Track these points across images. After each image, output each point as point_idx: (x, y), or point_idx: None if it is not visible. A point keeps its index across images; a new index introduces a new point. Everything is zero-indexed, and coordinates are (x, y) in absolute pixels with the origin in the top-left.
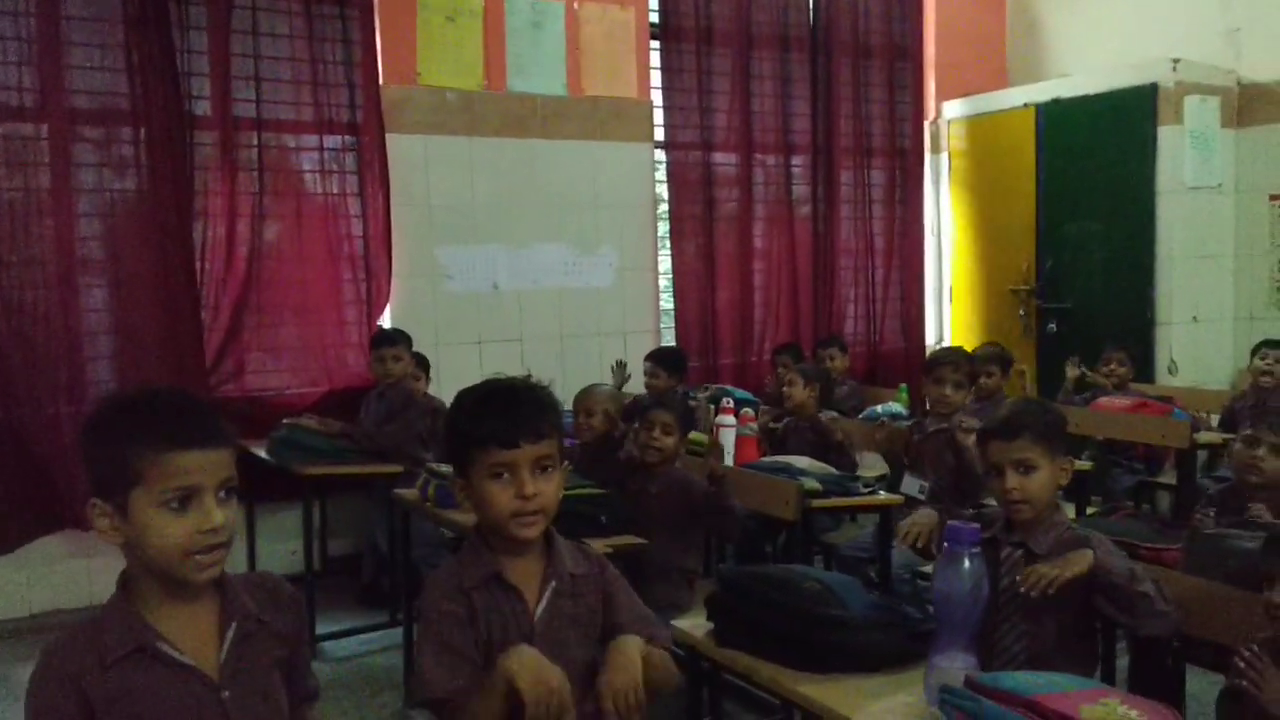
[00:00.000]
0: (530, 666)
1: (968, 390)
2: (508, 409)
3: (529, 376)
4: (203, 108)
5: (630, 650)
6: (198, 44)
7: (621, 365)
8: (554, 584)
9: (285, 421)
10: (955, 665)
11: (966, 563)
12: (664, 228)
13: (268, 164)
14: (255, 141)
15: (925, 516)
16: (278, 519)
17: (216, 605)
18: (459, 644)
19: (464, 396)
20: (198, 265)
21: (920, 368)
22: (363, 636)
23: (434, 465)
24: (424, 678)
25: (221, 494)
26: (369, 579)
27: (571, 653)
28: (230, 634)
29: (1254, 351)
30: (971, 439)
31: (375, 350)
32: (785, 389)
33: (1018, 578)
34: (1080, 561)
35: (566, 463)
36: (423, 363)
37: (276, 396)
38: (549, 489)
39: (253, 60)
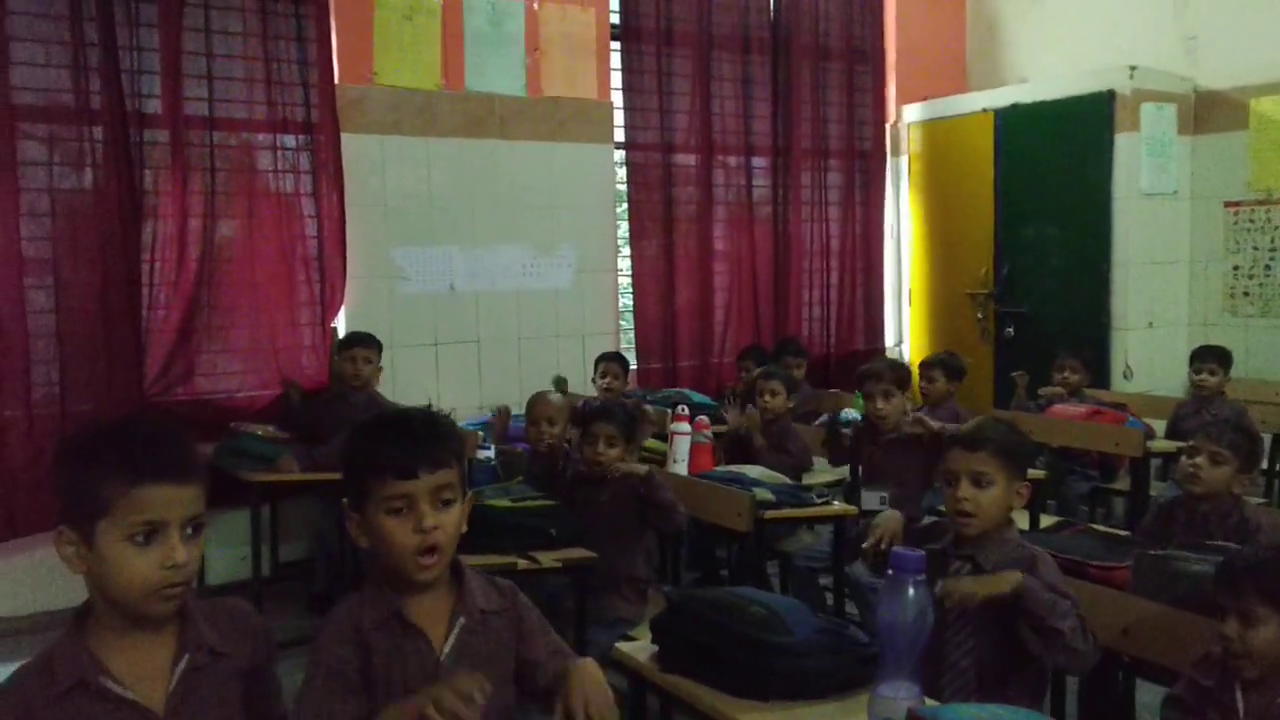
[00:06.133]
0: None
1: (901, 396)
2: (404, 437)
3: (429, 406)
4: (153, 106)
5: (594, 670)
6: (148, 41)
7: (561, 381)
8: (463, 621)
9: (233, 426)
10: (899, 695)
11: (910, 591)
12: (624, 229)
13: (220, 163)
14: (208, 140)
15: (889, 519)
16: (227, 524)
17: (174, 637)
18: (338, 692)
19: (359, 429)
20: (148, 265)
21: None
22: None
23: None
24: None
25: (188, 530)
26: (321, 586)
27: None
28: (180, 667)
29: (1190, 360)
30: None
31: (346, 350)
32: (767, 398)
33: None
34: (1002, 582)
35: (470, 493)
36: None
37: (228, 399)
38: (449, 522)
39: (205, 58)
